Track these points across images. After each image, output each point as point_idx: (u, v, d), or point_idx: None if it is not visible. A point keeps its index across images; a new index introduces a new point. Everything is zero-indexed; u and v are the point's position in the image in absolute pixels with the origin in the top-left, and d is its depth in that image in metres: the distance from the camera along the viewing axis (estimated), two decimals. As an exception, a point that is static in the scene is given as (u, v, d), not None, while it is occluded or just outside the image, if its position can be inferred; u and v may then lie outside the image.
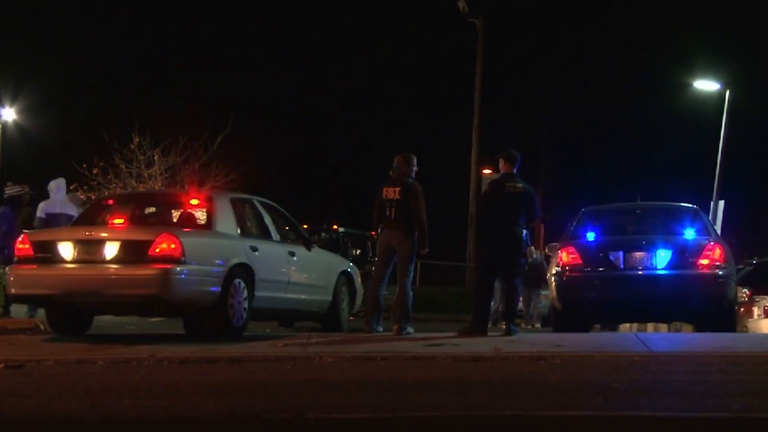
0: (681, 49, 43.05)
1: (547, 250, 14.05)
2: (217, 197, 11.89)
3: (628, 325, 18.34)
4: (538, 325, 22.64)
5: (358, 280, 13.86)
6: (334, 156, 48.72)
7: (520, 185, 11.28)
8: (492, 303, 14.46)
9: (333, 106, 49.57)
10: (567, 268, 12.22)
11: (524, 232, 11.27)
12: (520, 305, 22.33)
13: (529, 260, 22.44)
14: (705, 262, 11.93)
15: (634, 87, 45.55)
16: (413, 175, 11.63)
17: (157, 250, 10.33)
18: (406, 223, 11.39)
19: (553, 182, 44.30)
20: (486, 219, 11.26)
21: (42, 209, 14.07)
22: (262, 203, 12.50)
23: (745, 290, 16.39)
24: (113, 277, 10.38)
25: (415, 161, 11.68)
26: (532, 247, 23.61)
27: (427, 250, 11.52)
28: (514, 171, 11.39)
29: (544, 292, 22.03)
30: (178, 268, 10.31)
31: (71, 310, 11.14)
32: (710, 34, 43.50)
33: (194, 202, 11.93)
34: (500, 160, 11.50)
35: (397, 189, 11.46)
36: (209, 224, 11.33)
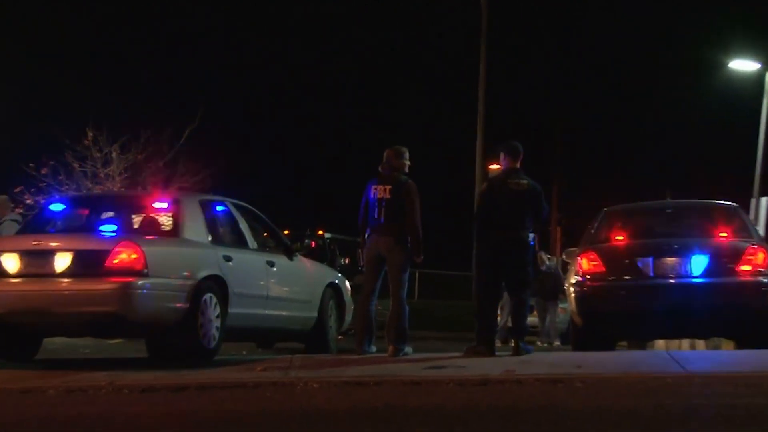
0: (714, 25, 43.07)
1: (564, 257, 14.04)
2: (185, 199, 11.87)
3: (660, 342, 18.32)
4: (557, 343, 22.64)
5: (347, 293, 13.85)
6: (319, 151, 48.74)
7: (524, 182, 11.26)
8: (499, 318, 14.44)
9: (318, 95, 49.57)
10: (588, 276, 12.21)
11: (531, 236, 11.24)
12: (535, 320, 22.31)
13: (543, 268, 22.49)
14: (746, 268, 11.92)
15: (660, 69, 45.56)
16: (406, 170, 11.60)
17: (116, 261, 10.29)
18: (397, 226, 11.34)
19: (570, 179, 44.36)
20: (485, 222, 11.24)
21: None
22: (236, 206, 12.48)
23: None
24: (65, 292, 10.33)
25: (407, 155, 11.63)
26: (543, 254, 23.65)
27: (422, 258, 11.48)
28: (518, 166, 11.38)
29: (562, 305, 22.03)
30: (140, 282, 10.27)
31: (17, 331, 11.06)
32: (747, 6, 43.57)
33: (158, 205, 11.90)
34: (501, 153, 11.50)
35: (388, 187, 11.41)
36: (176, 231, 11.31)
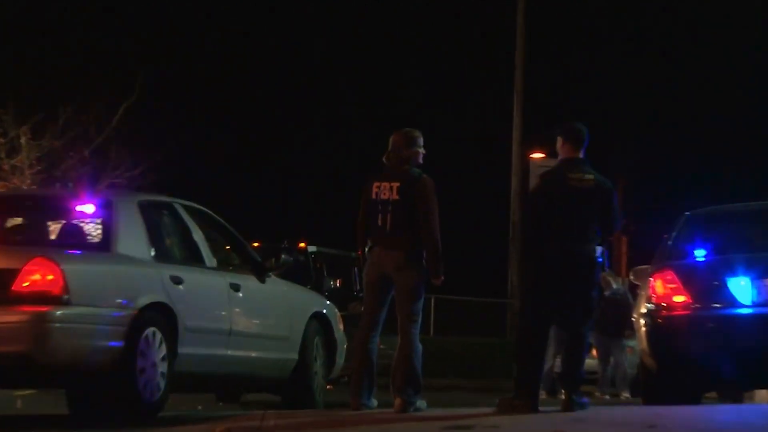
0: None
1: (632, 278, 14.04)
2: (119, 201, 11.94)
3: (763, 392, 18.32)
4: (625, 394, 22.62)
5: (339, 327, 13.88)
6: (302, 138, 48.78)
7: (590, 177, 11.22)
8: (545, 361, 14.45)
9: (300, 62, 49.58)
10: (663, 304, 12.26)
11: (599, 249, 11.21)
12: (594, 363, 22.24)
13: (606, 294, 22.42)
14: None
15: (753, 32, 45.45)
16: (419, 161, 11.58)
17: (25, 285, 10.34)
18: (408, 237, 11.35)
19: (638, 176, 44.40)
20: (537, 230, 11.22)
21: None
22: (188, 210, 12.53)
23: None
24: (-44, 327, 10.33)
25: (420, 141, 11.62)
26: (609, 273, 23.53)
27: (442, 278, 11.49)
28: (581, 155, 11.35)
29: (630, 343, 21.96)
30: (58, 312, 10.31)
31: None
32: None
33: (83, 208, 11.91)
34: (558, 138, 11.46)
35: (395, 185, 11.41)
36: (107, 243, 11.38)
